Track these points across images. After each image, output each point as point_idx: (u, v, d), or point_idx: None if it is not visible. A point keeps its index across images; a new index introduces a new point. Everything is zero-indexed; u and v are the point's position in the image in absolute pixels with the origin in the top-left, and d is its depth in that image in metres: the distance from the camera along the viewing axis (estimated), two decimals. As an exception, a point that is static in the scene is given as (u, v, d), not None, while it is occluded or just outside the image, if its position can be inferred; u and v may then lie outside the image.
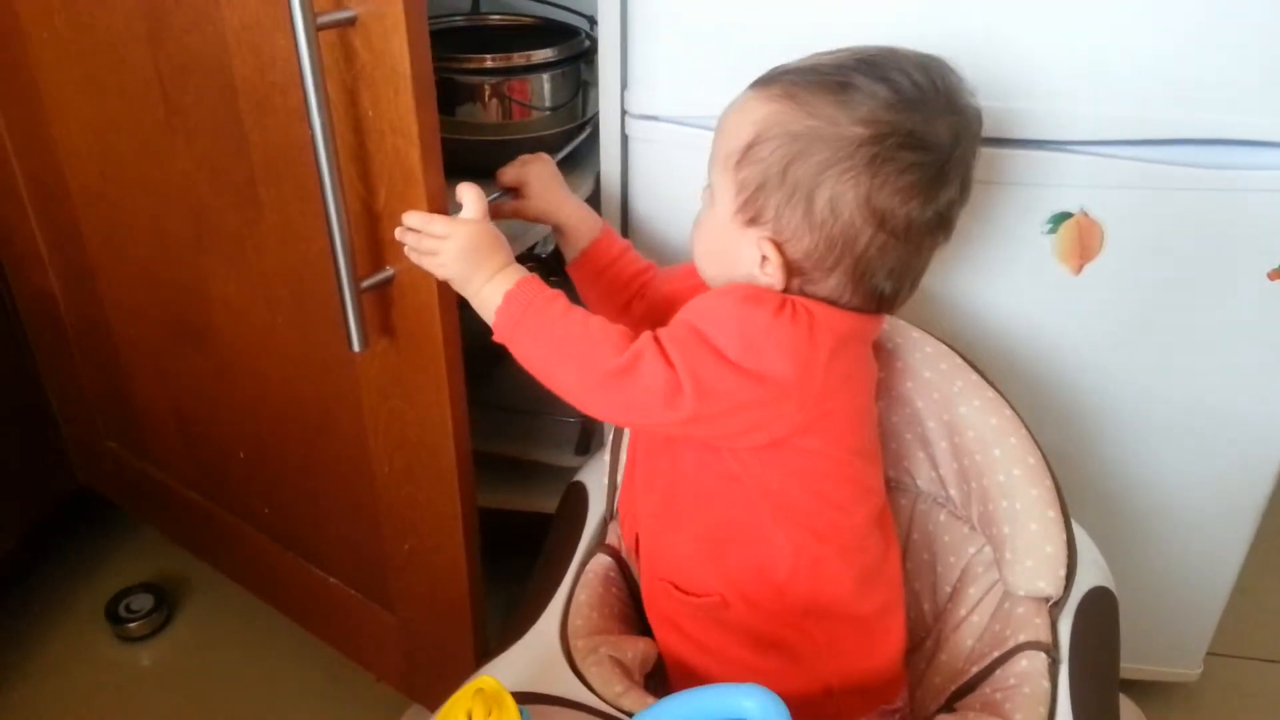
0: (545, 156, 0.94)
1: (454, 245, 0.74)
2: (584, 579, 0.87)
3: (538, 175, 0.91)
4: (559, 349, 0.72)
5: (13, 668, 1.25)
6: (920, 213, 0.71)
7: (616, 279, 0.91)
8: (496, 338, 0.75)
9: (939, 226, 0.73)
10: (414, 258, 0.77)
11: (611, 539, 0.92)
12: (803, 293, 0.74)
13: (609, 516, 0.94)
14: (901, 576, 0.86)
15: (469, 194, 0.77)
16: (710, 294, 0.74)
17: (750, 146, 0.72)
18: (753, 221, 0.73)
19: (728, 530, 0.79)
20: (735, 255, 0.74)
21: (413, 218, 0.76)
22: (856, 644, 0.81)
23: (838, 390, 0.74)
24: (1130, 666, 1.19)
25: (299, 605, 1.21)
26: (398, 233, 0.77)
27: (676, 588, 0.82)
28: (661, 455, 0.82)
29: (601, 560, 0.89)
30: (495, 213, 0.84)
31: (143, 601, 1.30)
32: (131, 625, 1.28)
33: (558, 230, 0.92)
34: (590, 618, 0.83)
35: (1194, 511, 1.07)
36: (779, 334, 0.70)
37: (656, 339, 0.71)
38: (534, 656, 0.79)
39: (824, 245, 0.71)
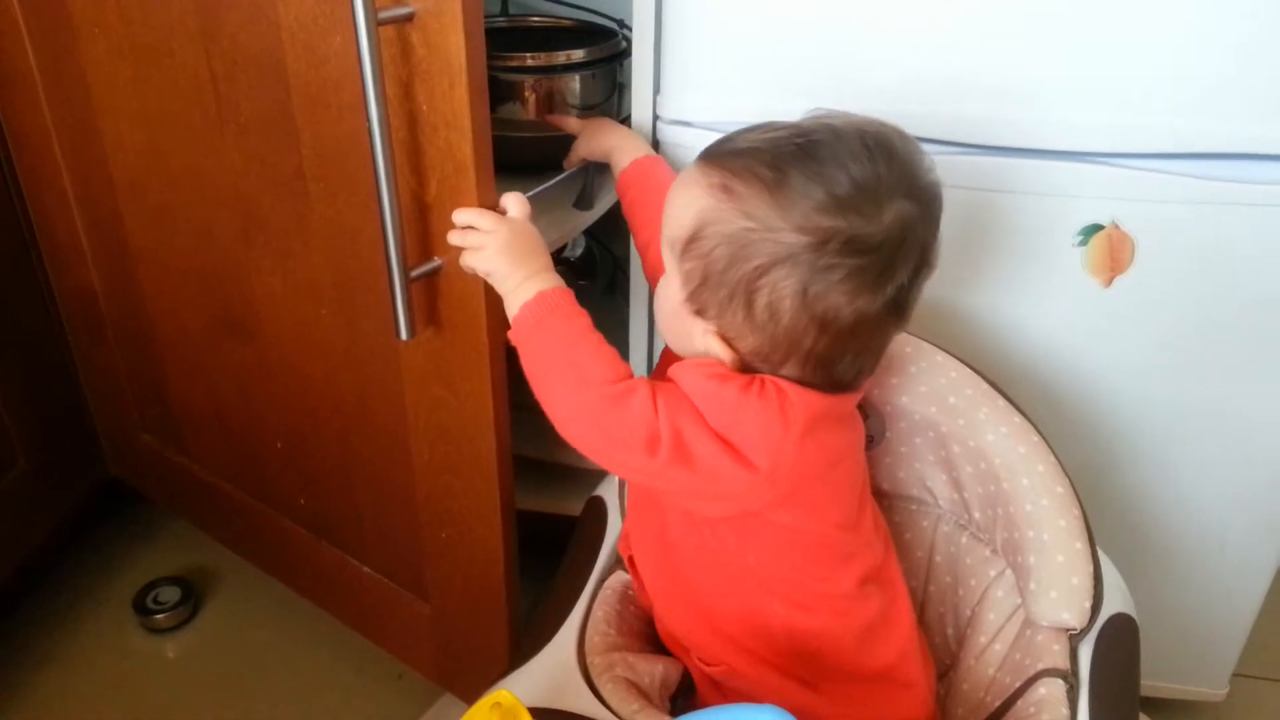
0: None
1: (498, 239, 0.76)
2: (602, 595, 0.86)
3: (587, 120, 1.02)
4: (565, 358, 0.73)
5: (40, 658, 1.26)
6: (869, 306, 0.68)
7: (659, 185, 0.88)
8: (513, 334, 0.76)
9: (893, 312, 0.69)
10: (461, 256, 0.78)
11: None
12: (770, 372, 0.72)
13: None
14: (913, 622, 0.84)
15: (512, 199, 0.79)
16: (683, 365, 0.73)
17: (691, 240, 0.69)
18: (700, 313, 0.71)
19: (721, 601, 0.79)
20: (690, 337, 0.73)
21: (461, 214, 0.77)
22: (874, 699, 0.81)
23: (812, 468, 0.72)
24: (1156, 685, 1.19)
25: (333, 595, 1.21)
26: (451, 234, 0.78)
27: (687, 652, 0.83)
28: (652, 514, 0.82)
29: (620, 577, 0.89)
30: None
31: (170, 594, 1.31)
32: (159, 617, 1.29)
33: (609, 156, 0.96)
34: (607, 634, 0.83)
35: (1222, 530, 1.06)
36: (748, 410, 0.69)
37: (652, 386, 0.71)
38: (551, 672, 0.79)
39: (768, 345, 0.69)
